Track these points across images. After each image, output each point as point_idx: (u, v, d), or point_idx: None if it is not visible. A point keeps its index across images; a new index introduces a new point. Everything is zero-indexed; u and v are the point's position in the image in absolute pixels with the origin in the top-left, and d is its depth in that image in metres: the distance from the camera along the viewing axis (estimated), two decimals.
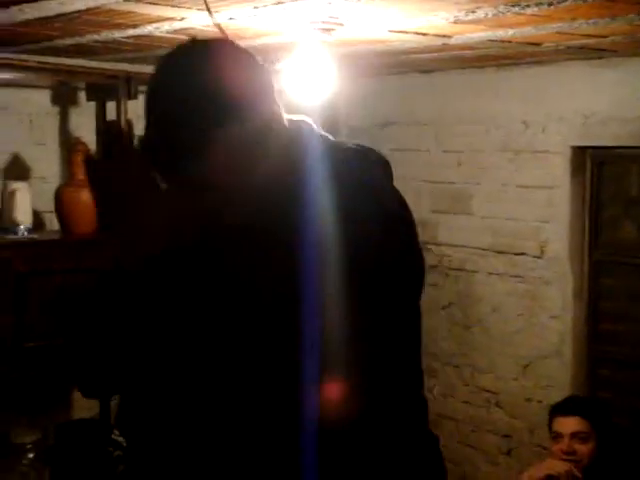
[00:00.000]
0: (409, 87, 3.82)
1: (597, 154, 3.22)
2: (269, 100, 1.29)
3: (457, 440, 3.76)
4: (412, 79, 3.78)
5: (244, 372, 1.29)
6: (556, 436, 2.80)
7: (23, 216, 2.90)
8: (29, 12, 2.13)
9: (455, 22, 2.06)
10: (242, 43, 2.38)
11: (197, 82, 1.24)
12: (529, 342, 3.45)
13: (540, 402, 3.42)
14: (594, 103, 3.14)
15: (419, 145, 3.83)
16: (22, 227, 2.89)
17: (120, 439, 3.06)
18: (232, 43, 1.35)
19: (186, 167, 1.26)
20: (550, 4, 1.79)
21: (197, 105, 1.23)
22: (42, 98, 3.44)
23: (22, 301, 2.86)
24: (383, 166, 1.43)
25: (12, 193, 2.94)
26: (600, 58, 3.02)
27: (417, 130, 3.82)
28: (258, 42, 2.43)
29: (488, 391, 3.64)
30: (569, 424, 2.77)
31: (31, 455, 2.98)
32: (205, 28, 2.24)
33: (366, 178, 1.36)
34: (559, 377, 3.34)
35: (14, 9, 2.07)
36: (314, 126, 1.38)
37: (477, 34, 2.35)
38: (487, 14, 1.94)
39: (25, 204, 2.91)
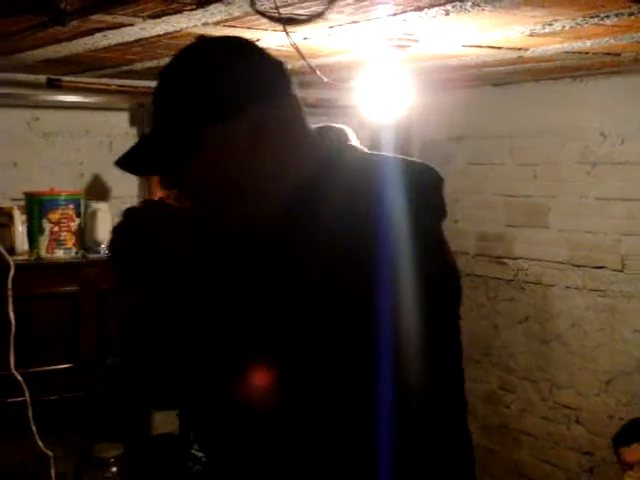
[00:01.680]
0: (482, 100, 3.80)
1: None
2: None
3: (536, 457, 3.70)
4: (485, 92, 3.76)
5: (318, 379, 1.29)
6: (627, 467, 2.71)
7: (104, 235, 2.96)
8: (112, 37, 2.19)
9: (531, 35, 2.05)
10: (316, 61, 2.41)
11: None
12: (611, 357, 3.38)
13: (622, 419, 3.34)
14: None
15: (494, 158, 3.80)
16: (103, 246, 2.97)
17: (200, 454, 3.10)
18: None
19: None
20: (631, 14, 1.76)
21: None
22: (121, 120, 3.53)
23: (104, 319, 2.93)
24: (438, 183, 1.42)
25: (94, 213, 3.01)
26: None
27: (491, 143, 3.80)
28: (332, 60, 2.45)
29: (568, 407, 3.57)
30: (636, 453, 2.68)
31: (114, 469, 3.04)
32: (280, 48, 2.28)
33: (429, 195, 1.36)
34: None
35: (98, 36, 2.14)
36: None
37: (553, 46, 2.33)
38: (564, 26, 1.92)
39: (106, 224, 2.98)
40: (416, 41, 2.11)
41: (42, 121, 3.34)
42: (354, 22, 1.89)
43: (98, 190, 3.41)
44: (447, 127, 3.92)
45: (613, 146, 3.31)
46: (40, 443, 2.76)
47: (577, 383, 3.52)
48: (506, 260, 3.77)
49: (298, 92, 1.32)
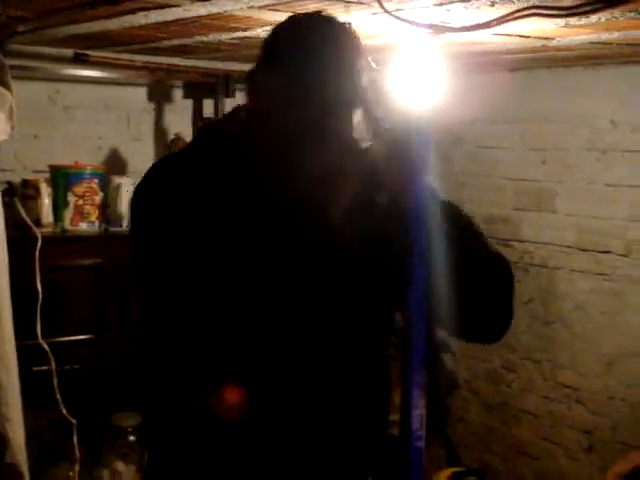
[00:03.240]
0: (494, 85, 3.85)
1: None
2: None
3: (537, 435, 3.80)
4: (499, 77, 3.82)
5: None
6: None
7: (127, 210, 3.01)
8: (152, 17, 2.23)
9: (565, 26, 2.11)
10: None
11: None
12: (613, 340, 3.48)
13: (623, 400, 3.45)
14: None
15: (503, 143, 3.87)
16: (127, 220, 3.02)
17: None
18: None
19: None
20: None
21: None
22: (139, 95, 3.57)
23: (126, 292, 2.98)
24: None
25: (117, 187, 3.06)
26: None
27: (502, 128, 3.86)
28: (366, 42, 2.49)
29: (569, 387, 3.67)
30: None
31: (132, 438, 3.11)
32: None
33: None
34: None
35: (140, 14, 2.18)
36: None
37: (580, 37, 2.39)
38: (600, 18, 1.98)
39: (127, 199, 3.03)
40: (452, 29, 2.16)
41: (63, 94, 3.38)
42: (398, 10, 1.94)
43: (116, 164, 3.46)
44: (459, 111, 3.97)
45: (623, 134, 3.39)
46: (64, 411, 2.82)
47: (579, 364, 3.61)
48: (512, 243, 3.85)
49: None
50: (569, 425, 3.67)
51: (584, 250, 3.57)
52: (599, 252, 3.51)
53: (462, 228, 1.51)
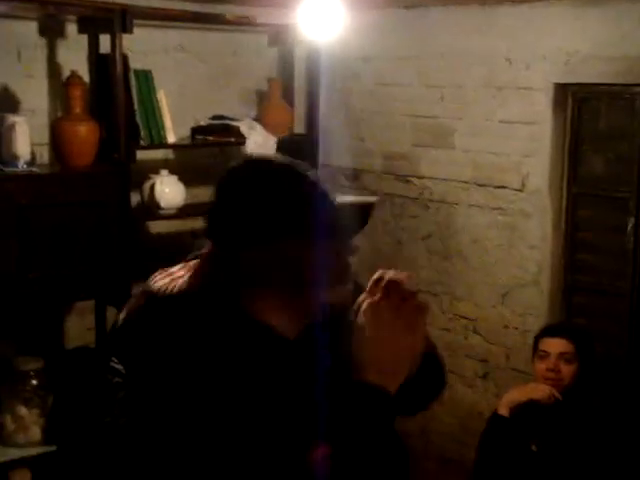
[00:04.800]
0: (391, 22, 3.87)
1: (578, 90, 3.34)
2: None
3: None
4: (395, 14, 3.84)
5: None
6: (543, 355, 2.98)
7: (22, 149, 2.92)
8: None
9: None
10: None
11: None
12: (508, 272, 3.61)
13: (517, 329, 3.60)
14: (578, 41, 3.24)
15: (402, 80, 3.91)
16: (22, 160, 2.92)
17: (119, 366, 3.16)
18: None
19: None
20: None
21: None
22: (29, 30, 3.42)
23: (25, 233, 2.91)
24: None
25: (11, 126, 2.95)
26: None
27: (400, 65, 3.89)
28: None
29: (466, 318, 3.80)
30: (557, 345, 2.96)
31: (35, 382, 3.07)
32: None
33: None
34: (536, 305, 3.51)
35: None
36: None
37: None
38: None
39: (24, 137, 2.93)
40: None
41: None
42: None
43: (7, 102, 3.33)
44: (357, 47, 3.98)
45: (518, 71, 3.47)
46: None
47: (476, 296, 3.74)
48: (412, 179, 3.92)
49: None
50: (466, 354, 3.82)
51: (481, 185, 3.67)
52: (495, 187, 3.61)
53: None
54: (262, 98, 3.95)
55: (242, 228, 1.36)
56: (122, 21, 3.06)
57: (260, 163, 1.46)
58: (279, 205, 1.36)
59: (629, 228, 3.23)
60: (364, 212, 1.60)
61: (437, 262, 3.90)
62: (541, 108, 3.40)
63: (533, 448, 2.97)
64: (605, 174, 3.34)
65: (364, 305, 1.38)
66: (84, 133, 3.05)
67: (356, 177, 4.13)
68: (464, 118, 3.69)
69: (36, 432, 3.05)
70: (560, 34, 3.30)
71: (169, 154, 3.73)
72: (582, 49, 3.23)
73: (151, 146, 3.33)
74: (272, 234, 1.36)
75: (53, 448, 2.99)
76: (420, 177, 3.90)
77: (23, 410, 3.06)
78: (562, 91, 3.36)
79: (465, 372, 3.83)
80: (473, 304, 3.76)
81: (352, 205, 1.56)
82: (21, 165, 2.93)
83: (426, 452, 4.00)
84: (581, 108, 3.37)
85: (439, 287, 3.89)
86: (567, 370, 2.93)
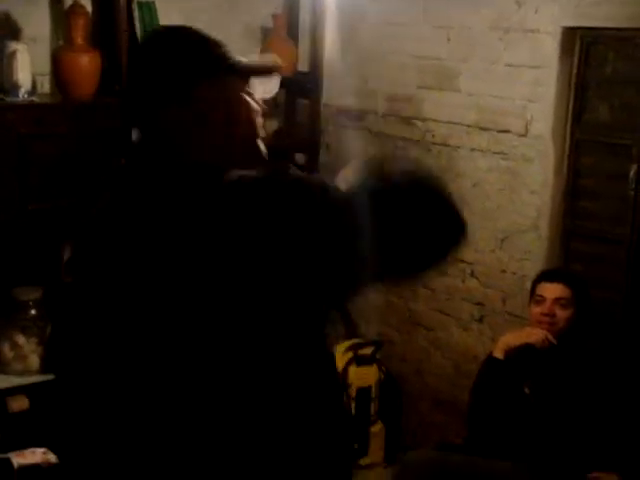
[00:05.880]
0: None
1: (587, 35, 3.30)
2: None
3: (432, 307, 3.96)
4: None
5: None
6: (539, 300, 3.00)
7: (24, 78, 2.89)
8: None
9: None
10: None
11: None
12: (508, 217, 3.61)
13: (514, 274, 3.61)
14: None
15: (407, 19, 3.85)
16: (23, 89, 2.89)
17: None
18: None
19: None
20: None
21: None
22: None
23: (25, 164, 2.89)
24: None
25: (12, 54, 2.92)
26: None
27: (407, 4, 3.84)
28: None
29: (464, 262, 3.81)
30: (553, 289, 2.97)
31: (33, 312, 3.09)
32: None
33: None
34: (534, 250, 3.51)
35: None
36: None
37: None
38: None
39: (25, 66, 2.90)
40: None
41: None
42: None
43: (9, 28, 3.28)
44: None
45: (526, 14, 3.42)
46: None
47: (475, 240, 3.74)
48: (415, 121, 3.90)
49: None
50: (463, 297, 3.84)
51: (484, 129, 3.64)
52: (498, 131, 3.59)
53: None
54: (266, 34, 3.91)
55: (157, 82, 1.46)
56: None
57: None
58: (186, 54, 1.48)
59: (631, 175, 3.22)
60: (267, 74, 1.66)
61: None
62: (548, 52, 3.35)
63: (526, 391, 3.01)
64: (609, 121, 3.31)
65: None
66: (86, 63, 3.02)
67: (359, 118, 4.10)
68: (469, 61, 3.65)
69: (34, 361, 3.08)
70: None
71: None
72: None
73: None
74: (186, 82, 1.46)
75: (50, 377, 3.01)
76: (423, 120, 3.87)
77: (22, 339, 3.09)
78: (570, 35, 3.31)
79: (462, 315, 3.85)
80: (472, 248, 3.76)
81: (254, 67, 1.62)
82: (22, 94, 2.90)
83: (420, 393, 4.05)
84: (588, 53, 3.33)
85: None
86: (562, 315, 2.96)
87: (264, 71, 1.61)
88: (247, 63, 1.57)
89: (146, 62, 1.48)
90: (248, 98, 1.53)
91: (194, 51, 1.49)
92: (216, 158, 1.44)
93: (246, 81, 1.55)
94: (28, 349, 3.09)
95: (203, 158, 1.43)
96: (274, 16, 3.83)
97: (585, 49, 3.32)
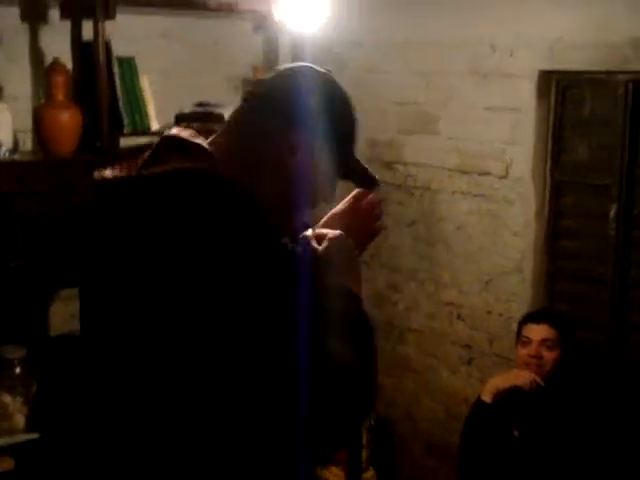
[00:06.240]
0: (376, 7, 3.86)
1: (563, 78, 3.35)
2: None
3: (420, 351, 3.96)
4: (379, 0, 3.83)
5: None
6: (525, 341, 3.01)
7: (5, 137, 2.90)
8: None
9: None
10: None
11: None
12: (491, 258, 3.63)
13: (501, 315, 3.62)
14: (562, 28, 3.24)
15: (387, 66, 3.90)
16: (4, 148, 2.91)
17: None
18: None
19: None
20: None
21: None
22: (11, 15, 3.39)
23: (8, 221, 2.90)
24: None
25: None
26: None
27: (385, 51, 3.89)
28: None
29: (451, 304, 3.82)
30: (539, 331, 2.98)
31: (18, 370, 3.06)
32: None
33: None
34: (519, 291, 3.53)
35: None
36: None
37: None
38: None
39: (7, 124, 2.92)
40: None
41: None
42: None
43: None
44: (342, 34, 3.97)
45: (502, 58, 3.48)
46: None
47: (460, 282, 3.76)
48: (396, 165, 3.93)
49: None
50: (450, 340, 3.84)
51: (465, 172, 3.68)
52: (479, 174, 3.62)
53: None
54: (247, 85, 3.94)
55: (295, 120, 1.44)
56: (105, 7, 3.04)
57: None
58: (340, 126, 1.49)
59: (611, 215, 3.25)
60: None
61: (422, 249, 3.91)
62: (525, 95, 3.41)
63: (515, 434, 3.00)
64: (588, 161, 3.35)
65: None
66: (67, 120, 3.04)
67: None
68: (448, 105, 3.70)
69: (20, 420, 3.05)
70: (544, 21, 3.30)
71: (154, 141, 3.70)
72: (566, 36, 3.24)
73: (134, 134, 3.32)
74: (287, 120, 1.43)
75: (36, 436, 2.99)
76: (405, 164, 3.91)
77: (7, 398, 3.06)
78: (546, 78, 3.37)
79: (450, 358, 3.85)
80: (457, 290, 3.78)
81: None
82: (3, 152, 2.91)
83: (412, 438, 4.03)
84: (565, 95, 3.38)
85: (424, 274, 3.90)
86: (549, 356, 2.96)
87: (368, 183, 1.63)
88: (362, 171, 1.59)
89: (306, 98, 1.46)
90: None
91: (344, 127, 1.52)
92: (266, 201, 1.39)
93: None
94: (13, 408, 3.06)
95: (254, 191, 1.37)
96: (254, 67, 3.87)
97: (561, 91, 3.38)
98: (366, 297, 1.53)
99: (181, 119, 3.60)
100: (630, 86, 3.15)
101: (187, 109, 3.64)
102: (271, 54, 3.95)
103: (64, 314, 3.50)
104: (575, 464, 2.87)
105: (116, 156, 3.15)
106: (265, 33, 3.90)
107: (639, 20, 3.03)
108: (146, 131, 3.38)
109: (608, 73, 3.18)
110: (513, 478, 2.96)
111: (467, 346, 3.78)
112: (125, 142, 3.39)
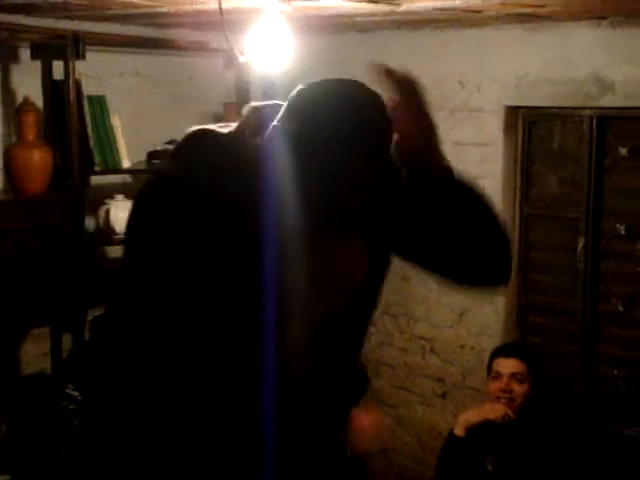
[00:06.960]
0: (345, 46, 3.90)
1: (529, 113, 3.40)
2: None
3: (394, 385, 3.96)
4: (348, 37, 3.87)
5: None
6: (496, 376, 3.02)
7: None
8: None
9: None
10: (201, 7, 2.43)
11: None
12: (463, 293, 3.64)
13: (473, 348, 3.64)
14: (527, 65, 3.30)
15: None
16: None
17: (75, 393, 3.14)
18: None
19: None
20: None
21: None
22: None
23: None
24: None
25: None
26: (533, 22, 3.17)
27: None
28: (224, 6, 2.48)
29: (423, 338, 3.83)
30: (508, 364, 3.00)
31: None
32: None
33: None
34: (491, 324, 3.55)
35: None
36: None
37: (425, 3, 2.47)
38: None
39: None
40: None
41: None
42: None
43: None
44: (309, 71, 4.00)
45: (470, 94, 3.53)
46: None
47: (433, 316, 3.77)
48: None
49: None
50: (424, 374, 3.84)
51: None
52: None
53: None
54: (219, 122, 3.96)
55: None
56: (75, 47, 3.07)
57: None
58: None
59: (579, 248, 3.29)
60: None
61: (396, 283, 3.92)
62: (493, 130, 3.45)
63: (489, 467, 3.00)
64: (556, 195, 3.40)
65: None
66: (37, 159, 3.05)
67: None
68: None
69: None
70: (510, 57, 3.36)
71: (127, 178, 3.72)
72: (531, 72, 3.30)
73: (105, 172, 3.33)
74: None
75: (7, 478, 2.96)
76: None
77: None
78: (513, 113, 3.42)
79: (423, 391, 3.86)
80: (430, 324, 3.80)
81: None
82: None
83: (386, 471, 4.02)
84: (532, 130, 3.43)
85: (397, 308, 3.92)
86: (519, 390, 2.97)
87: None
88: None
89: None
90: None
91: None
92: None
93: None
94: None
95: None
96: (225, 104, 3.90)
97: (528, 126, 3.43)
98: None
99: (153, 156, 3.62)
100: (594, 121, 3.20)
101: (159, 147, 3.66)
102: (242, 91, 3.98)
103: (35, 353, 3.48)
104: None
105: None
106: (236, 70, 3.94)
107: (602, 58, 3.09)
108: (117, 169, 3.39)
109: (573, 109, 3.24)
110: None
111: (440, 380, 3.79)
112: (96, 180, 3.40)
